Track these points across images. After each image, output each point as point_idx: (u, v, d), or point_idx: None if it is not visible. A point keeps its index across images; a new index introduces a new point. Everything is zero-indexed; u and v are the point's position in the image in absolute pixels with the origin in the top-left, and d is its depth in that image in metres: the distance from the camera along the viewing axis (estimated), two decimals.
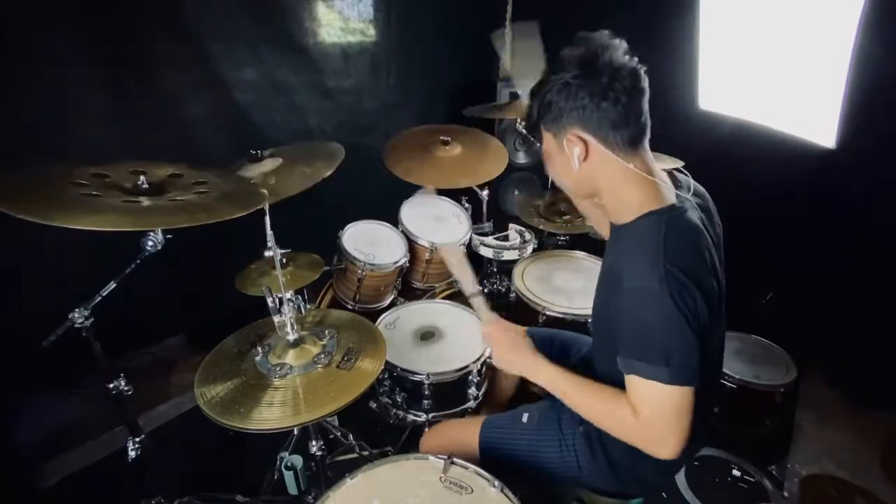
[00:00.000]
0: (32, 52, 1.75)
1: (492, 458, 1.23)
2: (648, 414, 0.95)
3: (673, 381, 0.90)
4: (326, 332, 1.27)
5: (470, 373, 1.52)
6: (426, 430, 1.50)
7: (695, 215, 1.00)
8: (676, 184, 1.06)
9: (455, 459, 1.08)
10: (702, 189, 1.12)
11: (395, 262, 1.94)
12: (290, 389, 1.12)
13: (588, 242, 2.37)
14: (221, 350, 1.27)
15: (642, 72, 0.96)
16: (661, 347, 0.90)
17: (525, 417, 1.26)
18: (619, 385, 1.00)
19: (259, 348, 1.22)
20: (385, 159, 2.06)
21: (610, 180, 1.00)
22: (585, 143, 0.97)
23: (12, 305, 1.84)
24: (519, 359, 1.16)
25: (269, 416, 1.05)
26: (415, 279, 2.15)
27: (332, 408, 1.07)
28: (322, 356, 1.20)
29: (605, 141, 0.96)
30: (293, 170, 1.62)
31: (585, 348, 1.43)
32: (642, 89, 0.96)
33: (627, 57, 0.95)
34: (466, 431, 1.30)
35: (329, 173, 1.60)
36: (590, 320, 1.77)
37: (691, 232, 0.97)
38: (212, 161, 1.79)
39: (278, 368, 1.16)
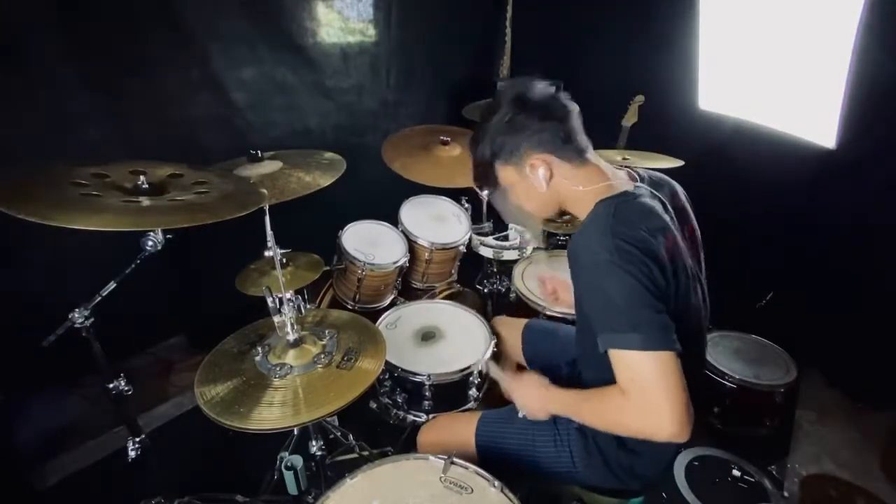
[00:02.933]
0: (33, 51, 1.75)
1: (488, 453, 1.24)
2: (636, 389, 0.93)
3: (646, 347, 0.90)
4: (326, 332, 1.27)
5: (471, 374, 1.52)
6: (424, 425, 1.51)
7: (649, 200, 1.05)
8: (634, 179, 1.12)
9: (455, 459, 1.08)
10: (660, 175, 1.18)
11: (395, 262, 1.94)
12: (290, 389, 1.12)
13: None
14: (221, 350, 1.27)
15: (563, 96, 1.08)
16: (626, 315, 0.92)
17: (521, 413, 1.26)
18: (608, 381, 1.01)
19: (259, 348, 1.22)
20: (384, 154, 2.06)
21: (572, 190, 1.08)
22: (547, 163, 1.06)
23: (12, 305, 1.84)
24: (545, 410, 1.16)
25: (269, 416, 1.06)
26: (415, 279, 2.15)
27: (332, 408, 1.07)
28: (322, 356, 1.20)
29: (561, 156, 1.06)
30: (291, 176, 1.62)
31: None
32: (570, 109, 1.07)
33: (545, 87, 1.07)
34: (463, 426, 1.30)
35: (327, 184, 1.61)
36: None
37: (640, 211, 1.01)
38: (212, 161, 1.80)
39: (278, 368, 1.16)
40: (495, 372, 1.36)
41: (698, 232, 1.17)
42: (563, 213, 1.16)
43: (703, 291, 1.13)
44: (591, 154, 1.10)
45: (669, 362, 0.90)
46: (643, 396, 0.92)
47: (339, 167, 1.71)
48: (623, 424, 0.99)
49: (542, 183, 1.07)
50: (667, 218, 1.04)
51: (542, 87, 1.07)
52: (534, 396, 1.18)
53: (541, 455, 1.22)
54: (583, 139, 1.08)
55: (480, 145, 1.12)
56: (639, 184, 1.09)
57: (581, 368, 1.27)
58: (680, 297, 0.99)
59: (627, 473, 1.17)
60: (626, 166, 1.16)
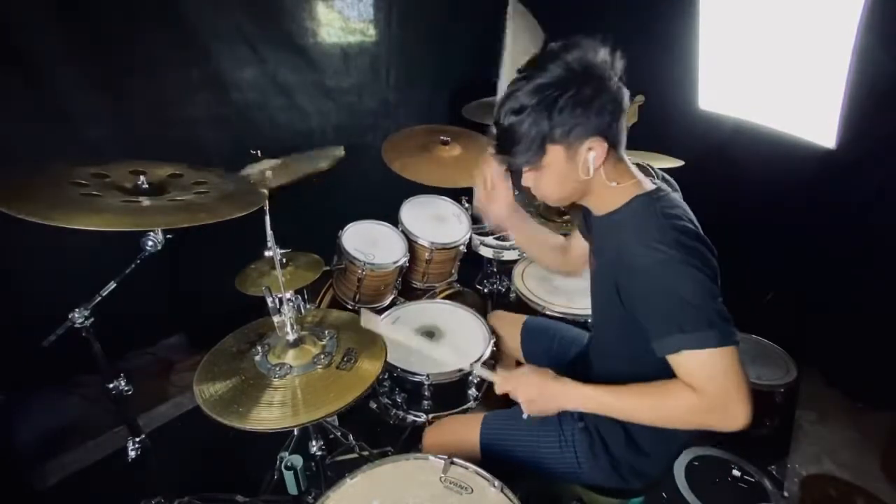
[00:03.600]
0: (33, 52, 1.75)
1: (492, 455, 1.23)
2: (713, 386, 0.89)
3: (722, 343, 0.87)
4: (326, 332, 1.27)
5: (470, 373, 1.52)
6: (427, 427, 1.51)
7: (677, 197, 1.04)
8: (646, 173, 1.10)
9: (455, 459, 1.08)
10: (668, 177, 1.16)
11: (395, 262, 1.94)
12: (290, 390, 1.12)
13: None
14: (221, 349, 1.27)
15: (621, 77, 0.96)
16: (700, 312, 0.88)
17: (525, 413, 1.26)
18: (632, 377, 1.01)
19: (259, 347, 1.22)
20: (384, 154, 2.06)
21: (604, 183, 0.99)
22: (603, 149, 0.94)
23: (12, 305, 1.84)
24: (552, 400, 1.07)
25: (268, 416, 1.06)
26: (415, 279, 2.15)
27: (332, 409, 1.07)
28: (322, 356, 1.20)
29: (612, 144, 0.96)
30: (291, 166, 1.62)
31: (584, 343, 1.44)
32: (628, 94, 0.96)
33: (605, 55, 0.93)
34: (467, 427, 1.30)
35: (327, 166, 1.60)
36: (589, 321, 1.77)
37: (680, 208, 1.00)
38: (212, 161, 1.80)
39: (278, 368, 1.16)
40: (487, 374, 1.25)
41: None
42: (572, 205, 1.08)
43: None
44: (623, 150, 1.02)
45: (737, 355, 0.89)
46: (723, 393, 0.89)
47: (336, 154, 1.70)
48: (691, 422, 0.95)
49: (589, 169, 0.95)
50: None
51: (603, 56, 0.92)
52: (542, 391, 1.07)
53: (545, 455, 1.21)
54: (621, 126, 0.98)
55: (528, 114, 0.91)
56: (657, 181, 1.06)
57: (594, 369, 1.26)
58: None
59: (632, 473, 1.17)
60: (638, 164, 1.10)
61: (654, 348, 0.94)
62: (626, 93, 0.95)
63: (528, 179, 1.02)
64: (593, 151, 0.94)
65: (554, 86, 0.90)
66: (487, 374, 1.25)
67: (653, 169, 1.13)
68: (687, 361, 0.90)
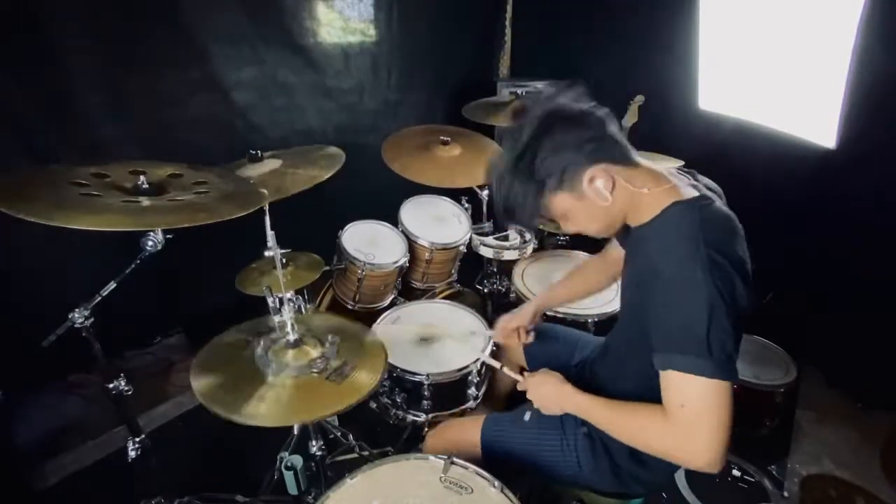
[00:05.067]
0: (33, 52, 1.75)
1: (493, 457, 1.23)
2: (684, 416, 0.88)
3: (715, 375, 0.84)
4: (329, 337, 1.27)
5: (470, 373, 1.52)
6: (428, 430, 1.51)
7: (723, 205, 0.99)
8: (689, 180, 1.05)
9: (455, 459, 1.08)
10: (708, 181, 1.10)
11: (395, 262, 1.94)
12: (283, 389, 1.11)
13: (588, 242, 2.37)
14: (222, 341, 1.26)
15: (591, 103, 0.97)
16: (703, 338, 0.84)
17: (527, 416, 1.25)
18: (637, 392, 0.99)
19: (262, 341, 1.22)
20: (384, 154, 2.06)
21: (639, 194, 0.97)
22: (607, 172, 0.94)
23: (12, 305, 1.84)
24: (561, 402, 1.12)
25: (259, 411, 1.05)
26: (415, 279, 2.15)
27: (322, 414, 1.07)
28: (320, 361, 1.19)
29: (618, 160, 0.95)
30: (292, 172, 1.62)
31: (588, 348, 1.43)
32: (604, 111, 0.97)
33: (570, 92, 0.96)
34: (468, 430, 1.30)
35: (327, 176, 1.60)
36: (590, 320, 1.77)
37: (726, 220, 0.95)
38: (213, 161, 1.80)
39: (275, 366, 1.16)
40: (510, 371, 1.34)
41: None
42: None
43: None
44: (638, 156, 0.99)
45: (728, 393, 0.86)
46: (691, 424, 0.87)
47: (338, 160, 1.70)
48: (653, 447, 0.95)
49: (606, 196, 0.94)
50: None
51: (568, 94, 0.95)
52: (550, 392, 1.13)
53: (546, 458, 1.21)
54: (625, 142, 0.97)
55: (515, 185, 0.95)
56: (700, 186, 1.01)
57: (600, 376, 1.25)
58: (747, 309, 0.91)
59: (634, 480, 1.17)
60: (680, 169, 1.06)
61: (653, 359, 0.93)
62: (602, 110, 0.96)
63: (566, 227, 1.04)
64: (598, 180, 0.93)
65: (525, 148, 0.93)
66: (511, 373, 1.34)
67: (694, 176, 1.07)
68: (672, 381, 0.89)
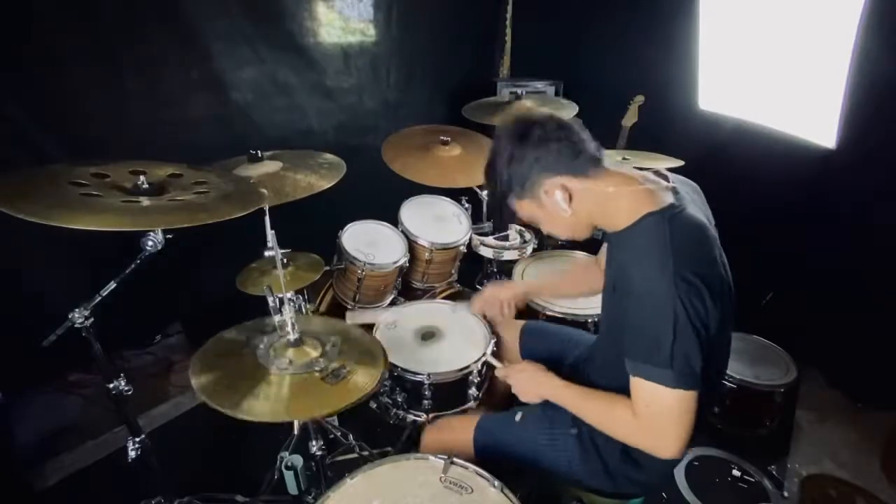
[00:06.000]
0: (32, 52, 1.76)
1: (486, 457, 1.24)
2: (649, 415, 0.96)
3: (677, 385, 0.91)
4: (331, 338, 1.27)
5: (470, 373, 1.52)
6: (426, 427, 1.51)
7: (695, 211, 1.01)
8: (665, 180, 1.06)
9: (455, 459, 1.08)
10: (682, 178, 1.14)
11: (395, 262, 1.94)
12: (281, 386, 1.11)
13: (588, 242, 2.37)
14: (222, 338, 1.27)
15: (555, 115, 1.05)
16: (667, 351, 0.90)
17: (518, 416, 1.27)
18: (623, 390, 1.01)
19: (265, 338, 1.22)
20: (384, 154, 2.06)
21: (600, 205, 1.03)
22: (563, 185, 1.01)
23: (12, 305, 1.84)
24: (539, 389, 1.21)
25: (257, 408, 1.04)
26: (415, 279, 2.15)
27: (316, 413, 1.06)
28: (320, 361, 1.19)
29: (574, 174, 1.01)
30: (290, 178, 1.61)
31: (582, 347, 1.44)
32: (568, 124, 1.03)
33: (538, 113, 1.04)
34: (463, 429, 1.31)
35: (327, 186, 1.59)
36: (590, 320, 1.77)
37: (696, 230, 0.97)
38: (212, 161, 1.80)
39: (275, 365, 1.16)
40: (493, 360, 1.46)
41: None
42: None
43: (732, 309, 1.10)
44: (610, 162, 1.05)
45: (689, 400, 0.92)
46: (653, 423, 0.96)
47: (338, 170, 1.69)
48: (622, 436, 1.04)
49: (563, 207, 1.03)
50: (714, 231, 1.01)
51: (535, 115, 1.04)
52: (529, 379, 1.22)
53: (539, 458, 1.22)
54: (592, 147, 1.03)
55: (493, 183, 1.09)
56: (678, 188, 1.03)
57: (591, 374, 1.25)
58: (723, 321, 0.96)
59: (627, 480, 1.17)
60: (653, 170, 1.10)
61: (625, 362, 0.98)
62: (567, 125, 1.02)
63: (541, 228, 1.15)
64: (556, 192, 1.02)
65: (494, 155, 1.06)
66: (494, 361, 1.46)
67: (667, 178, 1.08)
68: (639, 385, 0.96)
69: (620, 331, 0.99)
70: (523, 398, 1.23)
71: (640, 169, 1.09)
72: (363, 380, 1.16)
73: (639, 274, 0.94)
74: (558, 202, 1.02)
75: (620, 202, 1.01)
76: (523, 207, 1.08)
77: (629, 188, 1.01)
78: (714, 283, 0.92)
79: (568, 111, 2.12)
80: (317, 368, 1.17)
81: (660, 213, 0.97)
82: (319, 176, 1.63)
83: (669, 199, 0.99)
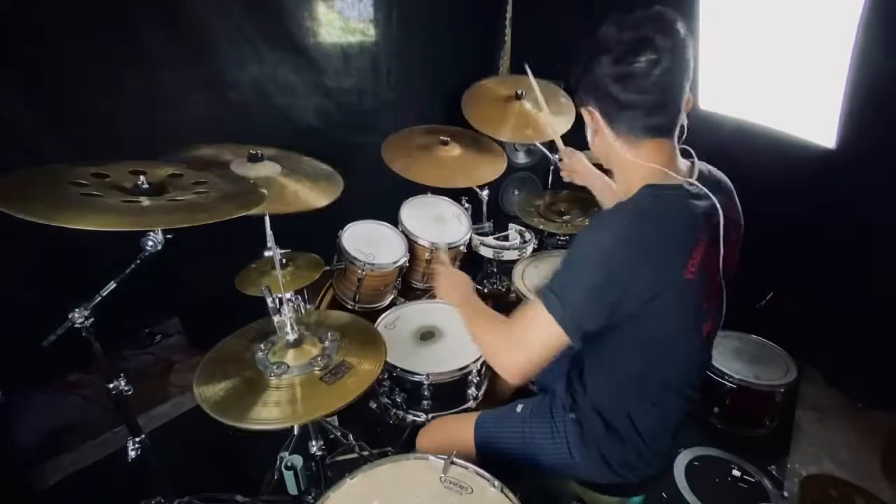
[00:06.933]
0: (32, 51, 1.75)
1: (488, 453, 1.23)
2: (518, 328, 0.99)
3: (546, 306, 0.92)
4: (329, 334, 1.27)
5: (470, 373, 1.52)
6: (422, 428, 1.50)
7: (701, 203, 0.96)
8: (691, 173, 1.03)
9: (455, 459, 1.08)
10: (719, 174, 1.14)
11: (395, 262, 1.94)
12: (288, 390, 1.12)
13: None
14: (223, 348, 1.27)
15: (684, 58, 0.94)
16: (557, 276, 0.94)
17: (519, 408, 1.27)
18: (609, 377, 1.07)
19: (262, 344, 1.22)
20: (384, 154, 2.06)
21: (616, 160, 1.04)
22: (595, 119, 1.00)
23: (12, 305, 1.84)
24: (449, 292, 1.28)
25: (268, 415, 1.05)
26: (415, 279, 2.15)
27: (325, 411, 1.07)
28: (320, 358, 1.19)
29: (609, 121, 0.99)
30: (289, 188, 1.58)
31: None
32: (669, 80, 0.93)
33: (669, 43, 0.90)
34: (462, 427, 1.30)
35: (323, 205, 1.56)
36: None
37: (680, 211, 0.95)
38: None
39: (276, 367, 1.16)
40: (442, 257, 1.64)
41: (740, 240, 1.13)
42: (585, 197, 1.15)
43: (722, 303, 1.10)
44: (662, 139, 0.99)
45: (553, 337, 0.93)
46: (518, 337, 0.99)
47: (335, 188, 1.66)
48: (490, 348, 1.07)
49: (588, 133, 1.05)
50: (707, 227, 0.96)
51: (659, 41, 0.89)
52: (449, 283, 1.29)
53: (539, 450, 1.21)
54: (658, 117, 0.96)
55: (580, 67, 1.00)
56: (694, 181, 1.00)
57: (586, 375, 1.24)
58: (682, 319, 0.98)
59: (623, 465, 1.15)
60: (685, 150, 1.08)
61: None
62: (659, 86, 0.92)
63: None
64: (589, 116, 1.01)
65: (590, 45, 0.96)
66: (443, 257, 1.63)
67: (699, 164, 1.08)
68: (529, 307, 0.98)
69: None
70: (439, 295, 1.32)
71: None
72: (363, 375, 1.17)
73: (592, 226, 0.97)
74: (588, 126, 1.04)
75: (635, 175, 1.00)
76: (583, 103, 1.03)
77: (648, 165, 0.98)
78: (655, 256, 0.90)
79: (568, 111, 2.12)
80: (318, 367, 1.17)
81: (659, 187, 0.96)
82: (318, 192, 1.59)
83: (678, 180, 0.98)
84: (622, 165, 1.03)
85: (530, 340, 0.97)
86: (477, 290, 2.33)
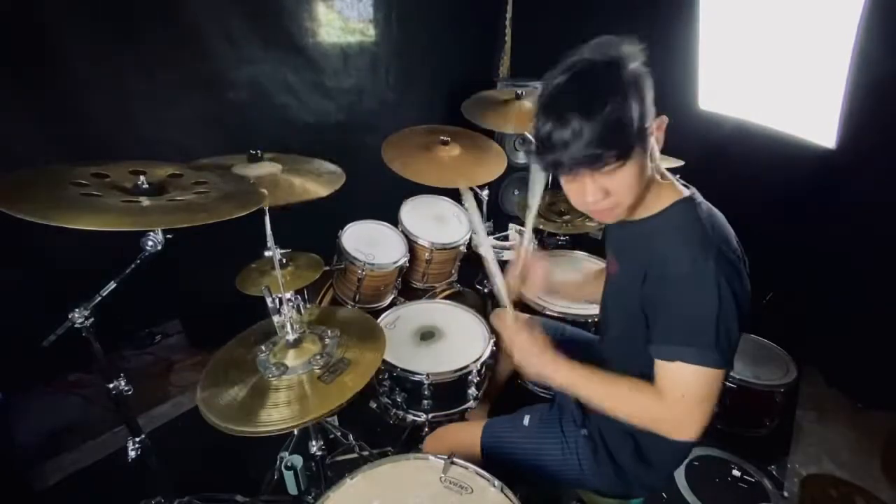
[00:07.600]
0: (32, 52, 1.75)
1: (494, 461, 1.23)
2: (684, 402, 0.92)
3: (717, 364, 0.89)
4: (330, 332, 1.27)
5: (470, 373, 1.52)
6: (427, 434, 1.50)
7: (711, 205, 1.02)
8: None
9: (455, 459, 1.08)
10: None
11: (395, 262, 1.94)
12: (293, 389, 1.12)
13: (588, 242, 2.37)
14: (225, 353, 1.27)
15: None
16: (713, 331, 0.88)
17: (527, 420, 1.26)
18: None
19: (263, 346, 1.22)
20: (384, 154, 2.06)
21: (650, 184, 0.97)
22: (661, 128, 0.96)
23: (12, 305, 1.84)
24: (539, 366, 1.07)
25: (277, 416, 1.05)
26: (415, 279, 2.15)
27: (329, 408, 1.07)
28: (320, 357, 1.19)
29: (649, 151, 0.94)
30: (289, 182, 1.59)
31: (585, 345, 1.43)
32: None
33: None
34: (468, 435, 1.30)
35: (326, 194, 1.58)
36: (590, 320, 1.77)
37: (720, 216, 0.99)
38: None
39: (275, 368, 1.16)
40: (497, 322, 1.35)
41: None
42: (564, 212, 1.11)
43: None
44: None
45: (721, 379, 0.91)
46: (687, 411, 0.92)
47: (337, 180, 1.67)
48: (642, 420, 0.98)
49: (656, 156, 0.94)
50: None
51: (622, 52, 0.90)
52: (532, 352, 1.07)
53: (547, 461, 1.21)
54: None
55: (626, 100, 0.86)
56: (690, 187, 1.03)
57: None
58: None
59: (637, 481, 1.16)
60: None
61: (650, 350, 0.95)
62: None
63: (598, 187, 0.91)
64: (658, 133, 0.94)
65: (621, 62, 0.89)
66: (499, 323, 1.29)
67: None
68: (676, 371, 0.92)
69: (639, 322, 0.99)
70: (517, 358, 1.09)
71: None
72: (361, 372, 1.16)
73: (679, 256, 0.91)
74: (654, 150, 0.93)
75: (655, 188, 0.99)
76: (636, 157, 0.89)
77: (661, 178, 1.00)
78: (745, 263, 0.94)
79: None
80: (316, 367, 1.17)
81: (686, 200, 0.98)
82: (319, 184, 1.62)
83: (687, 192, 1.01)
84: (655, 189, 0.99)
85: (702, 400, 0.91)
86: (477, 289, 2.36)
